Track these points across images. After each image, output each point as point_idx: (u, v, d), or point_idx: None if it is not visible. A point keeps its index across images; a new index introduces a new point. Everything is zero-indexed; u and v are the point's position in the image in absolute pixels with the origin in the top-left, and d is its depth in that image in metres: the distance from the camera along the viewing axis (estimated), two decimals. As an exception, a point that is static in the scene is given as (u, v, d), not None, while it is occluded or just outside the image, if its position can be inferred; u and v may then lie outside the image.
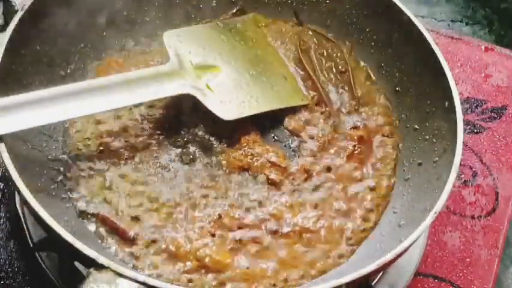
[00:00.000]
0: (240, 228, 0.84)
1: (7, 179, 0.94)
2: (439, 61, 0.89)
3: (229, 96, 0.92)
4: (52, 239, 0.72)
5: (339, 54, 1.02)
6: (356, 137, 0.93)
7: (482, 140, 1.09)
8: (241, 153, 0.90)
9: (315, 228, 0.85)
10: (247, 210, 0.85)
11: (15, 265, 0.89)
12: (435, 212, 0.76)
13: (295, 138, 0.93)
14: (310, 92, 0.98)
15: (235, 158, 0.90)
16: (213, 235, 0.83)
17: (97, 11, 0.95)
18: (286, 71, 1.00)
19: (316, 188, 0.89)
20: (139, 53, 0.99)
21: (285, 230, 0.84)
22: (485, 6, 1.41)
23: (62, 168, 0.86)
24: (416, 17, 0.94)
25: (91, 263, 0.68)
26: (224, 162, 0.89)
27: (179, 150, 0.90)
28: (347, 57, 1.01)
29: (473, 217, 1.01)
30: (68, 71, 0.93)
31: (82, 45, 0.95)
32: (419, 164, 0.90)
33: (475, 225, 1.00)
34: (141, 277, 0.67)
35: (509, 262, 1.05)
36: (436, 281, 0.95)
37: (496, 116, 1.12)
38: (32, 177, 0.79)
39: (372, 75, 1.01)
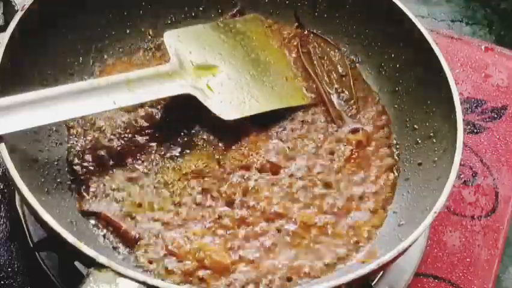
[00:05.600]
0: (240, 228, 0.84)
1: (7, 179, 0.94)
2: (439, 61, 0.89)
3: (229, 97, 0.92)
4: (52, 239, 0.72)
5: (338, 58, 1.02)
6: (354, 142, 0.93)
7: (482, 140, 1.09)
8: (241, 153, 0.90)
9: (320, 225, 0.85)
10: (247, 209, 0.85)
11: (16, 265, 0.89)
12: (435, 212, 0.76)
13: (295, 138, 0.93)
14: (311, 92, 0.98)
15: (235, 158, 0.90)
16: (214, 235, 0.83)
17: (97, 10, 0.95)
18: (286, 71, 1.00)
19: (316, 189, 0.89)
20: (139, 53, 0.99)
21: (287, 228, 0.84)
22: (485, 6, 1.41)
23: (62, 168, 0.86)
24: (416, 17, 0.93)
25: (91, 262, 0.68)
26: (224, 162, 0.89)
27: (180, 150, 0.90)
28: (347, 61, 1.01)
29: (473, 217, 1.01)
30: (69, 71, 0.93)
31: (82, 45, 0.95)
32: (419, 164, 0.90)
33: (475, 225, 1.00)
34: (141, 277, 0.67)
35: (509, 262, 1.05)
36: (436, 281, 0.95)
37: (496, 116, 1.12)
38: (32, 177, 0.79)
39: (372, 76, 1.01)
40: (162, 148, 0.90)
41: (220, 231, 0.83)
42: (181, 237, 0.82)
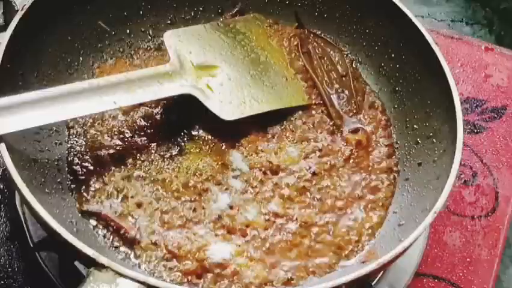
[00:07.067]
0: (240, 228, 0.84)
1: (7, 179, 0.94)
2: (439, 61, 0.89)
3: (229, 97, 0.92)
4: (52, 239, 0.72)
5: (338, 58, 1.02)
6: (354, 142, 0.93)
7: (482, 140, 1.09)
8: (241, 153, 0.90)
9: (320, 225, 0.85)
10: (247, 209, 0.85)
11: (16, 265, 0.89)
12: (435, 212, 0.76)
13: (295, 138, 0.93)
14: (311, 92, 0.98)
15: (236, 158, 0.90)
16: (214, 235, 0.83)
17: (97, 11, 0.95)
18: (287, 71, 1.00)
19: (316, 188, 0.89)
20: (139, 53, 0.99)
21: (287, 227, 0.84)
22: (485, 6, 1.41)
23: (62, 168, 0.86)
24: (416, 17, 0.93)
25: (91, 262, 0.68)
26: (224, 162, 0.89)
27: (179, 150, 0.90)
28: (347, 61, 1.01)
29: (473, 217, 1.01)
30: (69, 71, 0.93)
31: (83, 45, 0.95)
32: (419, 164, 0.90)
33: (475, 225, 1.00)
34: (141, 277, 0.67)
35: (509, 262, 1.05)
36: (436, 281, 0.95)
37: (496, 116, 1.12)
38: (32, 177, 0.79)
39: (372, 76, 1.01)
40: (162, 148, 0.90)
41: (220, 231, 0.83)
42: (181, 237, 0.82)
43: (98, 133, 0.90)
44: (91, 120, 0.91)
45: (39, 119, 0.78)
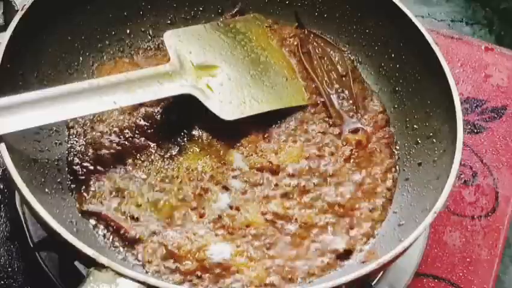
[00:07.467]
0: (240, 228, 0.84)
1: (7, 179, 0.94)
2: (439, 61, 0.89)
3: (229, 97, 0.92)
4: (52, 239, 0.72)
5: (338, 58, 1.02)
6: (354, 142, 0.93)
7: (482, 140, 1.09)
8: (241, 154, 0.90)
9: (320, 225, 0.85)
10: (247, 209, 0.85)
11: (16, 265, 0.90)
12: (435, 212, 0.77)
13: (295, 139, 0.93)
14: (311, 92, 0.98)
15: (235, 158, 0.90)
16: (214, 235, 0.83)
17: (97, 11, 0.95)
18: (286, 71, 1.00)
19: (316, 189, 0.89)
20: (139, 53, 0.99)
21: (287, 228, 0.84)
22: (485, 6, 1.41)
23: (62, 168, 0.86)
24: (416, 17, 0.93)
25: (91, 262, 0.68)
26: (224, 162, 0.89)
27: (179, 150, 0.90)
28: (347, 61, 1.01)
29: (473, 217, 1.01)
30: (69, 71, 0.93)
31: (82, 45, 0.95)
32: (419, 164, 0.90)
33: (475, 225, 1.00)
34: (141, 277, 0.67)
35: (509, 262, 1.05)
36: (436, 281, 0.95)
37: (496, 116, 1.12)
38: (32, 177, 0.79)
39: (372, 76, 1.01)
40: (162, 148, 0.90)
41: (220, 231, 0.83)
42: (181, 237, 0.82)
43: (98, 133, 0.90)
44: (90, 120, 0.91)
45: (39, 119, 0.78)
